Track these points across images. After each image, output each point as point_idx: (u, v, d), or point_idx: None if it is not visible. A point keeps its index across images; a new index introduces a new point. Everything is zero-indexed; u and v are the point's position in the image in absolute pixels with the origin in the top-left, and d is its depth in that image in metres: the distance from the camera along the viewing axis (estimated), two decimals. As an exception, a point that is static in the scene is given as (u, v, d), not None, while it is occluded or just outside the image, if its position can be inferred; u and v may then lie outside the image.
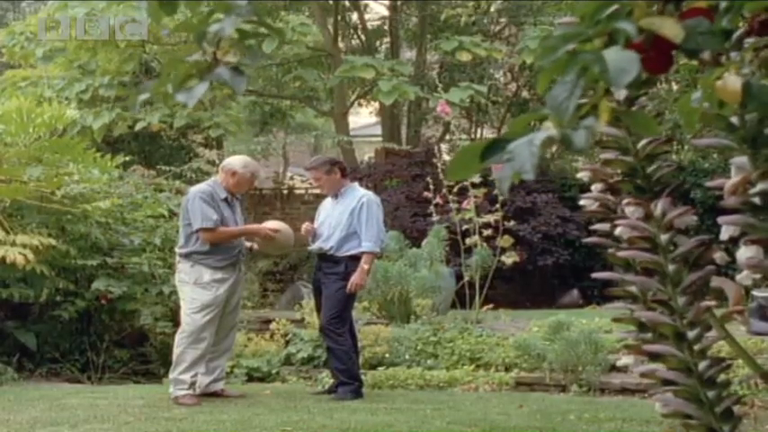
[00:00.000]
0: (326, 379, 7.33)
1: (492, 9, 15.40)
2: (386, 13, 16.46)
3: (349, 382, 6.65)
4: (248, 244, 6.85)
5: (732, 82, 1.59)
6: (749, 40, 1.87)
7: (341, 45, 15.26)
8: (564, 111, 1.39)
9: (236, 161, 6.76)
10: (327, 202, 6.98)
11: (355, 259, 6.63)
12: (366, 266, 6.62)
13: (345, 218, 6.67)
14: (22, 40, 12.60)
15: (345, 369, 6.65)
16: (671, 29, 1.42)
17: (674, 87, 11.80)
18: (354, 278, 6.57)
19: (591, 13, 1.47)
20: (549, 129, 1.40)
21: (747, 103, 1.67)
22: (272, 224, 6.93)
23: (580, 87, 1.40)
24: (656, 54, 1.46)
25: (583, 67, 1.40)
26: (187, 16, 1.92)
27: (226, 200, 6.57)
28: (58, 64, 12.54)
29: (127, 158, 10.23)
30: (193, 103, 1.74)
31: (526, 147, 1.39)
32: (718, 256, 2.38)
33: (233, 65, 1.71)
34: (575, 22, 2.18)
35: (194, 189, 6.71)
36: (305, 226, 6.97)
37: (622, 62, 1.38)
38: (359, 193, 6.81)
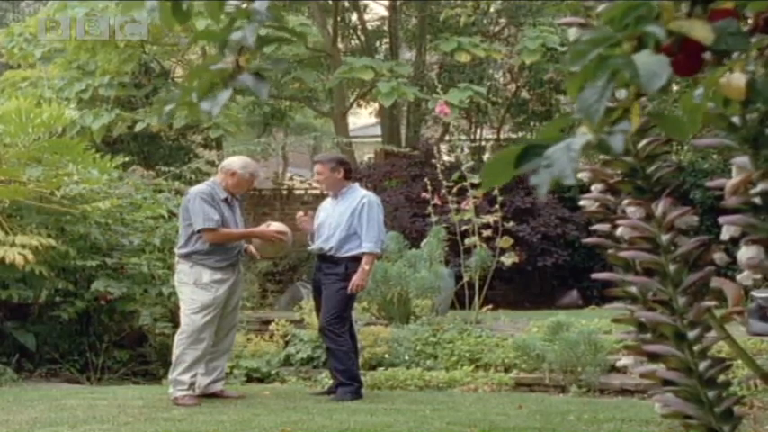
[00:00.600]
0: (326, 379, 7.33)
1: (491, 9, 15.39)
2: (385, 13, 16.45)
3: (348, 383, 6.64)
4: (244, 245, 6.84)
5: (737, 79, 1.58)
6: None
7: (340, 46, 15.26)
8: (594, 114, 1.39)
9: (235, 162, 6.76)
10: (327, 202, 6.97)
11: (355, 260, 6.62)
12: (367, 267, 6.62)
13: (346, 218, 6.67)
14: (21, 40, 12.61)
15: (345, 370, 6.65)
16: (701, 31, 1.42)
17: (674, 87, 11.80)
18: (355, 279, 6.57)
19: (619, 17, 1.46)
20: (586, 134, 1.40)
21: (752, 100, 1.67)
22: (275, 227, 6.89)
23: (610, 91, 1.40)
24: (685, 57, 1.46)
25: (613, 71, 1.40)
26: (192, 24, 1.92)
27: (226, 200, 6.57)
28: (58, 64, 12.55)
29: (126, 159, 10.23)
30: (218, 110, 1.74)
31: (564, 152, 1.39)
32: (718, 256, 2.38)
33: (254, 70, 1.71)
34: (580, 22, 2.18)
35: (194, 189, 6.70)
36: (300, 215, 6.97)
37: (653, 66, 1.38)
38: (360, 194, 6.80)
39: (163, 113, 1.86)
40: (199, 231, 6.43)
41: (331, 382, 6.95)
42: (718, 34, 1.45)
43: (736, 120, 2.11)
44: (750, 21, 1.82)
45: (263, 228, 6.97)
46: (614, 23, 1.46)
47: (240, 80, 1.72)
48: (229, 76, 1.73)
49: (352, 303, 6.87)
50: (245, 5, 1.76)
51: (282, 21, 1.79)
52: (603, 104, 1.39)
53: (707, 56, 1.51)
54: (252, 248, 6.86)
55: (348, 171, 6.91)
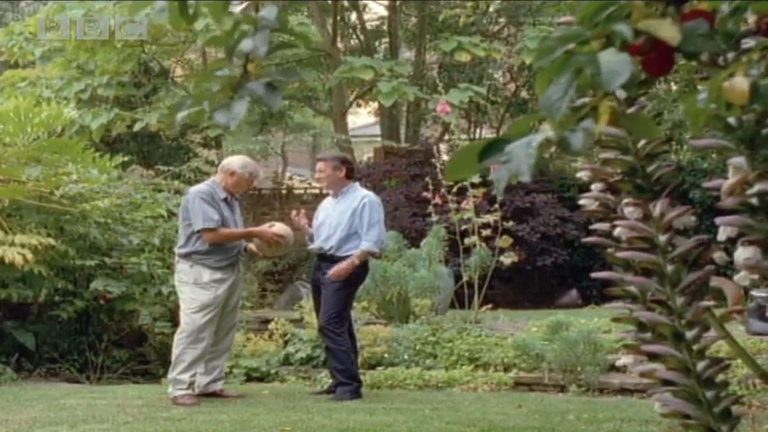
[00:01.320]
0: (325, 379, 7.32)
1: (491, 9, 15.40)
2: (385, 13, 16.46)
3: (347, 383, 6.64)
4: (245, 244, 6.84)
5: (740, 83, 1.59)
6: (748, 41, 1.87)
7: (340, 45, 15.26)
8: (556, 111, 1.39)
9: (235, 161, 6.76)
10: (327, 201, 6.97)
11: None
12: (357, 261, 6.61)
13: (346, 218, 6.66)
14: (20, 40, 12.61)
15: (344, 369, 6.64)
16: (668, 31, 1.42)
17: (674, 87, 11.80)
18: (340, 267, 6.57)
19: (590, 15, 1.47)
20: (547, 130, 1.40)
21: (755, 104, 1.67)
22: (276, 229, 6.86)
23: (574, 88, 1.40)
24: (657, 56, 1.46)
25: (577, 68, 1.41)
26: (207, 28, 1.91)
27: (225, 200, 6.57)
28: (57, 64, 12.55)
29: (125, 158, 10.23)
30: (236, 124, 1.71)
31: (523, 148, 1.40)
32: (717, 256, 2.38)
33: (267, 80, 1.70)
34: (574, 23, 2.18)
35: (194, 189, 6.70)
36: (293, 214, 6.97)
37: (615, 64, 1.38)
38: (360, 194, 6.79)
39: (176, 122, 1.84)
40: (198, 231, 6.43)
41: (330, 381, 6.95)
42: (688, 35, 1.45)
43: (732, 121, 2.11)
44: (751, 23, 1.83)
45: (263, 228, 6.96)
46: (585, 22, 1.47)
47: (249, 89, 1.71)
48: (238, 84, 1.72)
49: (351, 303, 6.87)
50: (251, 12, 1.75)
51: (287, 25, 1.78)
52: (566, 101, 1.39)
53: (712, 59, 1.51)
54: (252, 246, 6.86)
55: (350, 170, 6.89)
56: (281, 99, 1.72)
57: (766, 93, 1.63)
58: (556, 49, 1.44)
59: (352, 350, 6.75)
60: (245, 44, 1.71)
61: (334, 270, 6.55)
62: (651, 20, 1.44)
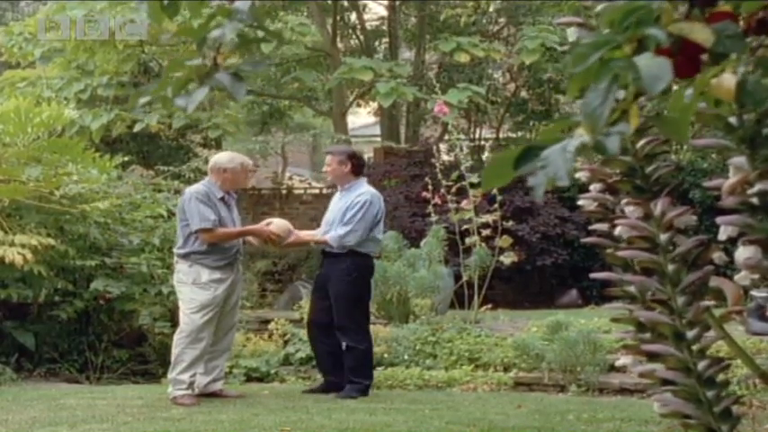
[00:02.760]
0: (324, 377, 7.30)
1: (491, 9, 15.39)
2: (384, 13, 16.46)
3: (357, 381, 6.63)
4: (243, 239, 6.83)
5: (727, 80, 1.59)
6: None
7: (340, 45, 15.26)
8: (598, 118, 1.40)
9: (221, 158, 6.71)
10: (335, 196, 6.99)
11: (356, 254, 6.62)
12: (312, 242, 6.76)
13: (339, 215, 6.67)
14: (20, 40, 12.60)
15: (356, 367, 6.61)
16: (701, 33, 1.43)
17: (674, 87, 11.79)
18: (282, 231, 6.64)
19: (619, 19, 1.47)
20: (582, 135, 1.41)
21: (742, 101, 1.67)
22: (273, 227, 6.84)
23: (613, 94, 1.41)
24: (685, 59, 1.47)
25: (615, 74, 1.41)
26: (186, 18, 1.92)
27: (222, 199, 6.56)
28: (57, 64, 12.55)
29: (125, 159, 10.23)
30: (192, 108, 1.74)
31: (560, 153, 1.41)
32: (717, 255, 2.38)
33: (233, 70, 1.72)
34: (578, 22, 2.18)
35: (190, 190, 6.69)
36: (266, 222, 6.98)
37: (655, 69, 1.38)
38: (359, 191, 6.76)
39: (136, 105, 1.86)
40: (196, 232, 6.43)
41: (321, 378, 6.96)
42: (717, 36, 1.46)
43: (733, 120, 2.11)
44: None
45: (259, 226, 6.95)
46: (614, 26, 1.47)
47: (217, 79, 1.72)
48: (206, 74, 1.73)
49: (362, 299, 6.78)
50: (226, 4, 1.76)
51: (262, 22, 1.79)
52: (608, 108, 1.40)
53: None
54: (252, 239, 6.85)
55: (357, 166, 6.84)
56: (245, 89, 1.73)
57: (754, 89, 1.63)
58: (589, 56, 1.44)
59: (371, 349, 6.74)
60: (215, 33, 1.71)
61: (271, 228, 6.66)
62: (682, 23, 1.44)
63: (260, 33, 1.85)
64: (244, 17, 1.72)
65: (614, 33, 1.46)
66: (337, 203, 6.81)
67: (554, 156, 1.41)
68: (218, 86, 1.72)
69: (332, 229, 6.66)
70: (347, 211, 6.62)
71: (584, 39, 1.52)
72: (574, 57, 1.46)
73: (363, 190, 6.79)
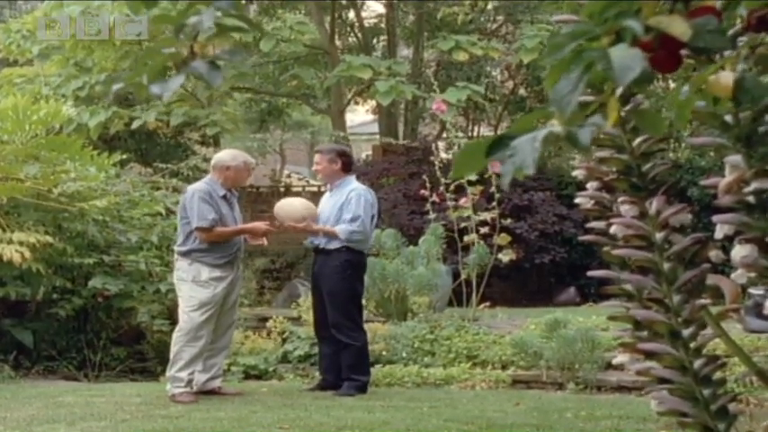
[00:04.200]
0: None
1: (489, 7, 15.39)
2: (383, 10, 16.45)
3: (355, 379, 6.64)
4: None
5: (724, 77, 1.59)
6: (742, 39, 1.88)
7: (338, 43, 15.25)
8: (566, 105, 1.40)
9: (224, 156, 6.74)
10: (326, 195, 7.00)
11: (348, 250, 6.62)
12: (320, 231, 6.65)
13: (335, 212, 6.68)
14: (18, 37, 12.59)
15: (354, 365, 6.63)
16: (678, 27, 1.43)
17: (672, 85, 11.80)
18: (311, 226, 6.63)
19: (599, 11, 1.47)
20: (554, 125, 1.41)
21: (741, 98, 1.67)
22: (300, 205, 6.90)
23: (584, 83, 1.40)
24: (665, 53, 1.46)
25: (588, 64, 1.41)
26: (165, 8, 1.92)
27: (224, 197, 6.56)
28: (55, 61, 12.54)
29: (124, 156, 10.22)
30: (168, 95, 1.74)
31: (529, 143, 1.41)
32: (714, 254, 2.38)
33: (210, 59, 1.72)
34: (580, 20, 2.19)
35: (192, 187, 6.69)
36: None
37: (627, 59, 1.38)
38: (349, 188, 6.77)
39: (110, 92, 1.88)
40: (194, 230, 6.44)
41: (319, 377, 6.96)
42: (697, 31, 1.45)
43: (728, 118, 2.11)
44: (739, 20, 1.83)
45: (255, 223, 6.94)
46: (594, 18, 1.47)
47: (193, 67, 1.72)
48: (183, 62, 1.73)
49: (356, 295, 6.80)
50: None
51: (242, 11, 1.79)
52: (576, 96, 1.39)
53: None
54: (250, 239, 6.84)
55: (346, 163, 6.88)
56: (221, 77, 1.74)
57: (752, 87, 1.63)
58: (565, 46, 1.44)
59: (366, 346, 6.75)
60: (192, 19, 1.72)
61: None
62: (661, 16, 1.44)
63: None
64: (222, 5, 1.72)
65: (593, 25, 1.46)
66: (329, 201, 6.82)
67: (523, 145, 1.42)
68: (194, 74, 1.72)
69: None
70: (344, 207, 6.64)
71: (563, 30, 1.52)
72: (550, 46, 1.47)
73: (354, 186, 6.83)
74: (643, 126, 2.16)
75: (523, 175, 1.41)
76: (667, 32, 1.42)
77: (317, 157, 7.03)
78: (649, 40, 1.43)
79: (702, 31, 1.47)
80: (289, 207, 6.93)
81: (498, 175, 9.12)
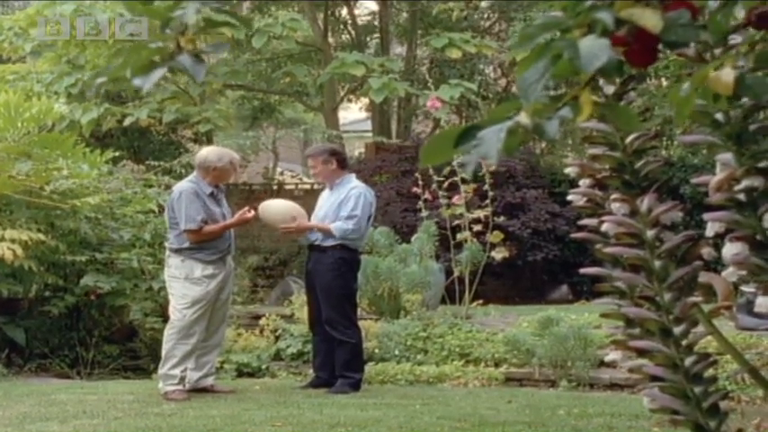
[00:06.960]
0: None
1: (482, 4, 15.40)
2: (376, 8, 16.45)
3: (349, 376, 6.64)
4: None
5: (726, 74, 1.59)
6: (735, 36, 1.88)
7: (331, 40, 15.24)
8: (531, 93, 1.40)
9: (210, 156, 6.62)
10: (325, 192, 6.99)
11: (343, 248, 6.62)
12: (316, 229, 6.62)
13: (334, 210, 6.67)
14: (10, 35, 12.54)
15: (348, 362, 6.63)
16: (651, 19, 1.43)
17: (664, 83, 11.82)
18: (303, 222, 6.60)
19: (573, 4, 1.47)
20: (521, 117, 1.41)
21: (742, 95, 1.67)
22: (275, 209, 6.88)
23: (550, 72, 1.41)
24: (640, 47, 1.46)
25: (556, 53, 1.41)
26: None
27: (211, 194, 6.54)
28: (47, 59, 12.50)
29: (116, 154, 10.20)
30: (148, 86, 1.75)
31: (494, 134, 1.42)
32: (706, 251, 2.38)
33: (195, 53, 1.72)
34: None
35: (178, 187, 6.63)
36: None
37: (594, 48, 1.39)
38: (351, 185, 6.78)
39: (93, 86, 1.88)
40: (183, 232, 6.43)
41: (312, 374, 6.96)
42: (669, 24, 1.45)
43: (720, 117, 2.12)
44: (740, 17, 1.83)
45: (237, 216, 6.74)
46: (568, 11, 1.48)
47: (178, 61, 1.72)
48: (169, 56, 1.73)
49: (350, 293, 6.80)
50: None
51: (233, 8, 1.79)
52: (542, 84, 1.40)
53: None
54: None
55: (341, 161, 6.87)
56: (205, 71, 1.74)
57: (753, 83, 1.64)
58: (536, 36, 1.45)
59: (360, 343, 6.75)
60: (176, 12, 1.72)
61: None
62: (633, 9, 1.44)
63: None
64: (212, 2, 1.72)
65: (565, 17, 1.47)
66: (328, 199, 6.81)
67: (488, 136, 1.42)
68: (179, 68, 1.72)
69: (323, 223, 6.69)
70: (343, 205, 6.63)
71: (535, 21, 1.52)
72: (521, 36, 1.47)
73: (355, 184, 6.84)
74: (617, 121, 2.17)
75: (493, 166, 1.42)
76: (639, 25, 1.43)
77: (310, 162, 7.03)
78: (623, 33, 1.43)
79: (675, 25, 1.47)
80: (274, 209, 6.90)
81: (492, 173, 9.15)
